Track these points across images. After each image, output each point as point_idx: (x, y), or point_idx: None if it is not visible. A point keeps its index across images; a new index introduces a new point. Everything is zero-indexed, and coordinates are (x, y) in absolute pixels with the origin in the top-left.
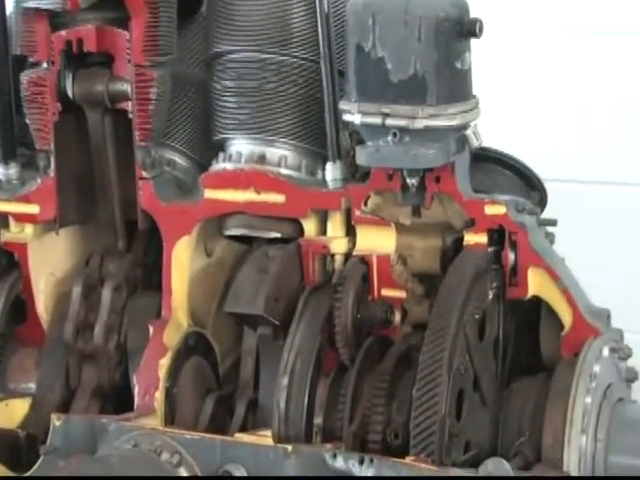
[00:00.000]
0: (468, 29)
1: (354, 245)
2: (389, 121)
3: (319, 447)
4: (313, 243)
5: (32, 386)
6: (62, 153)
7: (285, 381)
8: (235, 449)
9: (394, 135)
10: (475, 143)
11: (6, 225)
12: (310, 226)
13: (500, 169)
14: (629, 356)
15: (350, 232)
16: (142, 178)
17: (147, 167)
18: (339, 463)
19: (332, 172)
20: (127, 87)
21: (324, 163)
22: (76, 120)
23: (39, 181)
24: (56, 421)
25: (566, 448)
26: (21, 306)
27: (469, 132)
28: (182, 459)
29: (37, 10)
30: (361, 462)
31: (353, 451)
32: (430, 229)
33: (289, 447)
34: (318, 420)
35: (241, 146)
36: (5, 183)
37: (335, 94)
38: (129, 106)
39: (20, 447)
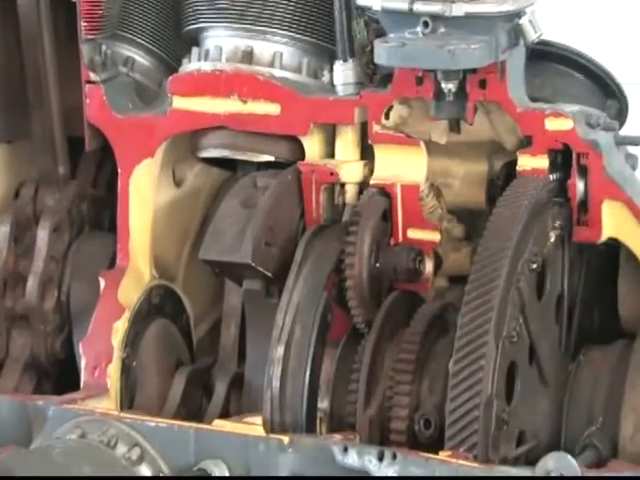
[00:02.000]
0: None
1: (371, 172)
2: (418, 6)
3: (325, 438)
4: (317, 169)
5: None
6: None
7: (280, 352)
8: (214, 441)
9: (425, 25)
10: (532, 36)
11: None
12: (313, 146)
13: (566, 70)
14: None
15: (366, 154)
16: (89, 82)
17: (96, 67)
18: (351, 459)
19: (342, 74)
20: None
21: (332, 62)
22: (1, 4)
23: None
24: None
25: None
26: None
27: (524, 21)
28: (144, 453)
29: None
30: (380, 458)
31: (370, 444)
32: (473, 150)
33: (285, 438)
34: (323, 403)
35: (221, 39)
36: None
37: None
38: None
39: None
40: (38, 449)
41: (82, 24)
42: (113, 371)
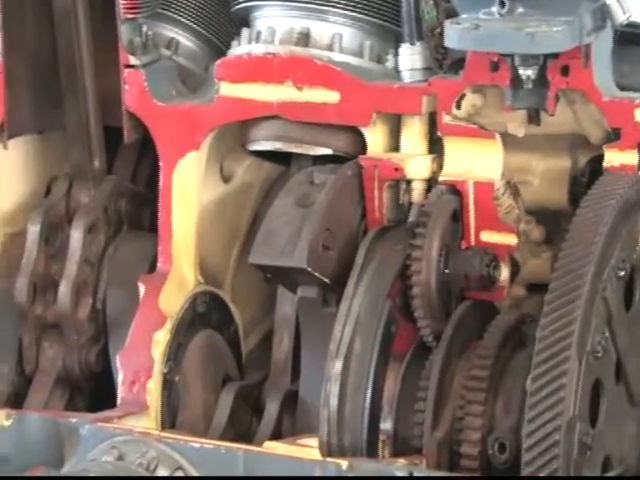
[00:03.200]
0: None
1: (441, 167)
2: None
3: (387, 463)
4: (380, 164)
5: None
6: (13, 28)
7: (338, 367)
8: (265, 464)
9: (501, 4)
10: (621, 17)
11: None
12: (375, 138)
13: None
14: None
15: (435, 148)
16: (129, 66)
17: (136, 50)
18: None
19: (409, 59)
20: None
21: (397, 46)
22: None
23: None
24: (4, 420)
25: None
26: None
27: (612, 1)
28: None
29: None
30: None
31: (438, 469)
32: (554, 144)
33: (344, 462)
34: (386, 424)
35: (275, 20)
36: None
37: None
38: None
39: None
40: (70, 472)
41: (121, 2)
42: (153, 387)
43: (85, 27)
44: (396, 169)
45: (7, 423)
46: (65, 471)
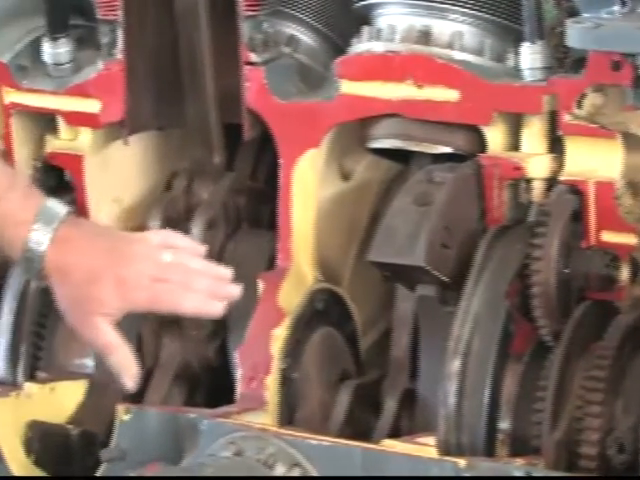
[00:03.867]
0: None
1: (561, 166)
2: None
3: (505, 462)
4: (500, 162)
5: (89, 363)
6: (135, 25)
7: (456, 366)
8: (383, 462)
9: (622, 4)
10: None
11: (53, 129)
12: (496, 137)
13: None
14: None
15: (556, 147)
16: (249, 63)
17: (257, 47)
18: None
19: (530, 58)
20: None
21: (517, 44)
22: None
23: (101, 66)
24: (124, 414)
25: None
26: None
27: None
28: (305, 474)
29: None
30: None
31: (556, 469)
32: None
33: (461, 461)
34: (504, 424)
35: (395, 17)
36: (52, 67)
37: None
38: None
39: (72, 449)
40: (188, 467)
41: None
42: (272, 383)
43: (206, 24)
44: (516, 168)
45: (126, 418)
46: (183, 466)
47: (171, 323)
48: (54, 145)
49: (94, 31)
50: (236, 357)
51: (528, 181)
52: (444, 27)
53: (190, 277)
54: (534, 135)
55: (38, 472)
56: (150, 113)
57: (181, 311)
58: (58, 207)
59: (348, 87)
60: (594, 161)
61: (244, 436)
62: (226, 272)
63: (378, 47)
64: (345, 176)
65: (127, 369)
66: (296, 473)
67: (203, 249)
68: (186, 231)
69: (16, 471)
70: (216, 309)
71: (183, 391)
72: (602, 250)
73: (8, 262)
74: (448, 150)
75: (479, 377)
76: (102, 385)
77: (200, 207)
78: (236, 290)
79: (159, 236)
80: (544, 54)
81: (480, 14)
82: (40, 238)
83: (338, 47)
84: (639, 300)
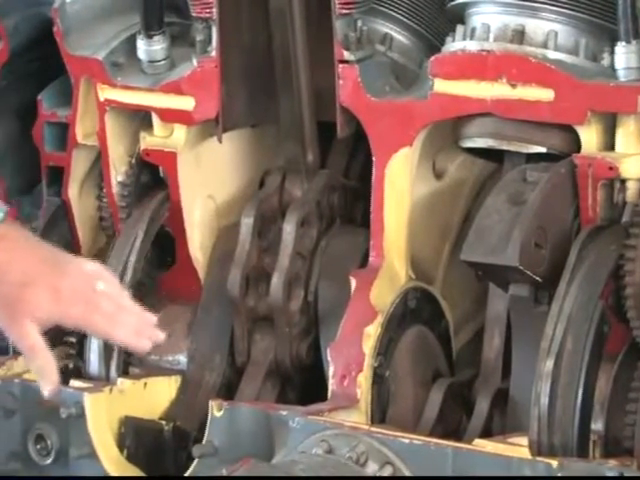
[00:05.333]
0: None
1: None
2: None
3: (598, 463)
4: (595, 162)
5: (182, 359)
6: (229, 23)
7: (549, 366)
8: (474, 462)
9: None
10: None
11: (148, 126)
12: (590, 137)
13: None
14: None
15: None
16: (343, 61)
17: (351, 45)
18: None
19: (625, 57)
20: None
21: (612, 44)
22: None
23: (195, 63)
24: (216, 411)
25: None
26: (167, 243)
27: None
28: (396, 473)
29: None
30: None
31: None
32: None
33: (554, 462)
34: (597, 424)
35: (489, 16)
36: (147, 64)
37: None
38: None
39: (164, 444)
40: (279, 464)
41: None
42: (364, 381)
43: (300, 22)
44: (610, 168)
45: (219, 414)
46: (274, 463)
47: (263, 320)
48: (148, 142)
49: (189, 29)
50: (328, 355)
51: (622, 181)
52: (538, 26)
53: (119, 310)
54: (629, 135)
55: (130, 467)
56: (244, 110)
57: (112, 339)
58: None
59: (442, 86)
60: None
61: (335, 434)
62: (151, 317)
63: (472, 46)
64: (438, 175)
65: (47, 375)
66: (387, 471)
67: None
68: (279, 228)
69: (108, 467)
70: (144, 345)
71: (275, 388)
72: None
73: (102, 258)
74: (542, 150)
75: (572, 377)
76: (195, 381)
77: (293, 204)
78: (160, 335)
79: (94, 266)
80: (639, 54)
81: (575, 13)
82: None
83: (432, 45)
84: None
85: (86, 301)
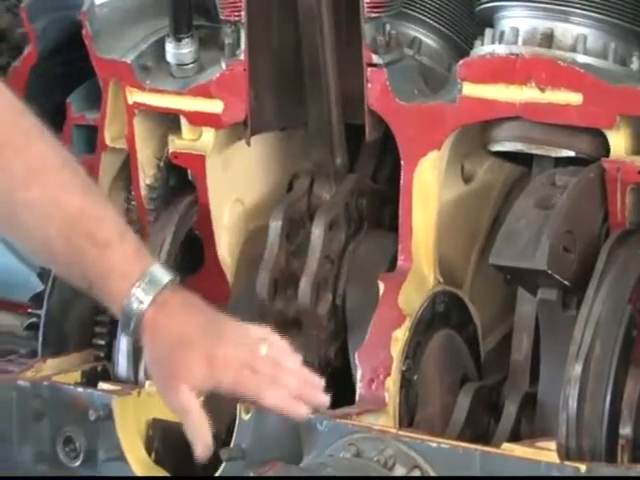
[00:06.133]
0: None
1: None
2: None
3: (627, 468)
4: (624, 167)
5: None
6: (258, 26)
7: (577, 370)
8: (502, 466)
9: None
10: None
11: (176, 129)
12: (619, 141)
13: None
14: None
15: None
16: (372, 65)
17: (379, 49)
18: None
19: None
20: None
21: None
22: None
23: (224, 66)
24: (244, 414)
25: None
26: (195, 246)
27: None
28: (424, 476)
29: None
30: None
31: None
32: None
33: (582, 466)
34: (626, 429)
35: (518, 20)
36: (176, 68)
37: None
38: None
39: (192, 448)
40: (307, 467)
41: (365, 1)
42: (392, 384)
43: (329, 26)
44: (639, 172)
45: (246, 417)
46: (302, 466)
47: (291, 323)
48: (176, 145)
49: (217, 32)
50: (356, 358)
51: None
52: (567, 30)
53: (280, 373)
54: None
55: (158, 470)
56: (272, 114)
57: (263, 403)
58: (166, 271)
59: (470, 89)
60: None
61: (363, 437)
62: (319, 381)
63: (501, 50)
64: (467, 179)
65: (201, 438)
66: (416, 475)
67: (299, 357)
68: (307, 231)
69: (137, 469)
70: (300, 411)
71: None
72: None
73: None
74: (570, 153)
75: (600, 382)
76: None
77: (322, 208)
78: (326, 400)
79: (259, 331)
80: None
81: (604, 17)
82: (142, 297)
83: (461, 49)
84: None
85: (242, 366)
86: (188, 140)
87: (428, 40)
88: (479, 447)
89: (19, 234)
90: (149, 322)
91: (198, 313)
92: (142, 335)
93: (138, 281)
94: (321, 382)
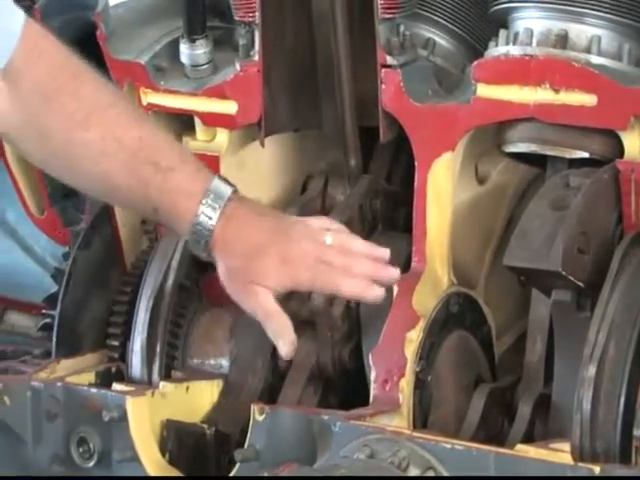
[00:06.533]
0: None
1: None
2: None
3: None
4: (638, 168)
5: (224, 363)
6: (272, 27)
7: (591, 371)
8: (516, 467)
9: None
10: None
11: (190, 130)
12: (633, 142)
13: None
14: None
15: None
16: (386, 66)
17: (393, 50)
18: None
19: None
20: None
21: None
22: None
23: (238, 67)
24: (258, 415)
25: None
26: None
27: None
28: (438, 477)
29: None
30: None
31: None
32: None
33: (596, 468)
34: (639, 431)
35: (533, 21)
36: (190, 69)
37: None
38: None
39: (206, 448)
40: (322, 468)
41: (379, 2)
42: (406, 385)
43: (343, 27)
44: None
45: (260, 418)
46: (316, 467)
47: (305, 324)
48: (191, 146)
49: (231, 33)
50: (370, 359)
51: None
52: (582, 31)
53: (351, 260)
54: None
55: (173, 471)
56: (286, 115)
57: (340, 294)
58: (226, 184)
59: (484, 90)
60: None
61: (377, 438)
62: (385, 252)
63: (515, 51)
64: (481, 180)
65: (285, 335)
66: (430, 476)
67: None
68: None
69: (151, 470)
70: (375, 294)
71: (317, 392)
72: None
73: (144, 261)
74: (584, 155)
75: (615, 383)
76: (237, 385)
77: (335, 209)
78: (396, 273)
79: (319, 220)
80: None
81: (619, 18)
82: (210, 212)
83: (475, 50)
84: None
85: (316, 261)
86: (202, 141)
87: (442, 41)
88: (493, 448)
89: (77, 173)
90: (219, 235)
91: (263, 218)
92: (214, 249)
93: (204, 198)
94: (387, 252)
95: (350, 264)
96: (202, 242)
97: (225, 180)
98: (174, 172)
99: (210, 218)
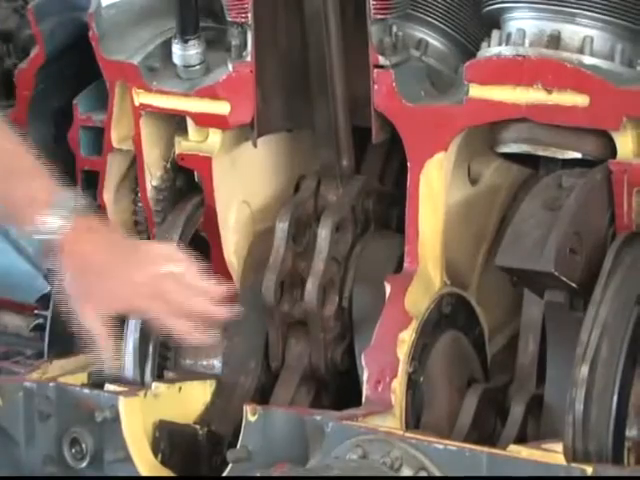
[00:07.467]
0: None
1: None
2: None
3: (632, 471)
4: (630, 168)
5: (216, 364)
6: (264, 28)
7: (584, 372)
8: (508, 467)
9: None
10: None
11: (183, 130)
12: (626, 143)
13: None
14: None
15: None
16: (378, 66)
17: (386, 50)
18: None
19: None
20: None
21: None
22: None
23: (230, 68)
24: (250, 415)
25: None
26: (202, 247)
27: None
28: (430, 477)
29: None
30: None
31: None
32: None
33: (588, 468)
34: (632, 431)
35: (525, 22)
36: (182, 69)
37: None
38: None
39: (199, 449)
40: (314, 468)
41: (371, 2)
42: (398, 386)
43: (335, 27)
44: None
45: (253, 419)
46: (309, 467)
47: (298, 325)
48: (183, 146)
49: (224, 33)
50: (362, 360)
51: None
52: (574, 32)
53: (185, 296)
54: None
55: (165, 471)
56: (279, 115)
57: (169, 332)
58: (75, 197)
59: (477, 91)
60: None
61: (370, 439)
62: (220, 290)
63: (507, 51)
64: (473, 180)
65: (105, 359)
66: (422, 476)
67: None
68: (314, 233)
69: (143, 470)
70: (200, 338)
71: (309, 393)
72: None
73: None
74: (577, 155)
75: (607, 384)
76: (229, 386)
77: (328, 209)
78: (226, 313)
79: (166, 248)
80: None
81: (611, 19)
82: (52, 222)
83: (467, 50)
84: None
85: (149, 292)
86: (195, 142)
87: (435, 42)
88: (486, 449)
89: None
90: (61, 246)
91: (106, 237)
92: (57, 258)
93: (51, 208)
94: (222, 290)
95: (183, 300)
96: (44, 250)
97: (75, 194)
98: (22, 180)
99: (52, 228)
